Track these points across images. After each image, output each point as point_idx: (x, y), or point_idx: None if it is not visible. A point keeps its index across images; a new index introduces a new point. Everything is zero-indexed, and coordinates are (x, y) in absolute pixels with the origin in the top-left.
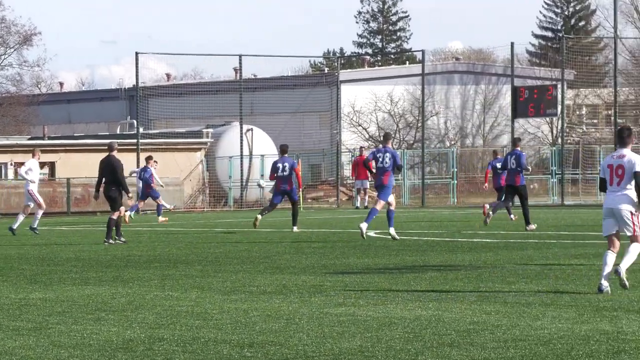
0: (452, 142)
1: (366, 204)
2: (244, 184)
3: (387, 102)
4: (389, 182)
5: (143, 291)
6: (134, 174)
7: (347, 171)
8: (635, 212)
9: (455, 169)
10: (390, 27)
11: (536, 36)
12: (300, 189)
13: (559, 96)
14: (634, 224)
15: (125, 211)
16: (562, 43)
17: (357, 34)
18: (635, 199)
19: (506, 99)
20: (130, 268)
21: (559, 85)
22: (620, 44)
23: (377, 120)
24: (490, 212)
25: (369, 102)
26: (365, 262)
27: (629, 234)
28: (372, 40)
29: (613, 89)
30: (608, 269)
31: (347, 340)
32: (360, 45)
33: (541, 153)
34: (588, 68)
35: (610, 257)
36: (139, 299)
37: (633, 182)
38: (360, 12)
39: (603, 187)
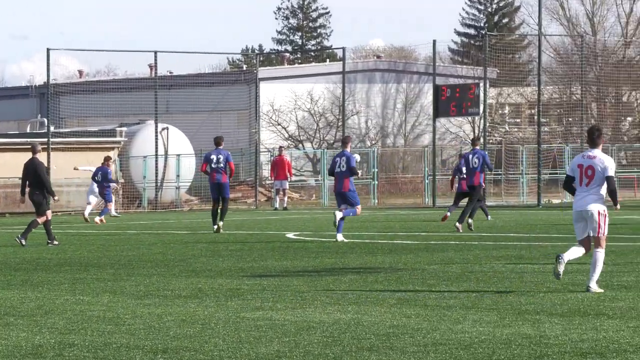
0: (373, 142)
1: (285, 205)
2: (158, 184)
3: (307, 100)
4: (349, 188)
5: (53, 295)
6: (85, 170)
7: (266, 171)
8: (604, 212)
9: (376, 169)
10: (311, 24)
11: (459, 34)
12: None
13: (482, 95)
14: (599, 224)
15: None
16: (485, 41)
17: (277, 31)
18: (603, 199)
19: (428, 98)
20: (40, 271)
21: (482, 84)
22: (544, 42)
23: (296, 119)
24: (470, 220)
25: (288, 100)
26: (283, 264)
27: (593, 233)
28: (291, 37)
29: (537, 88)
30: (572, 254)
31: (264, 345)
32: (279, 42)
33: (463, 153)
34: (511, 66)
35: (578, 249)
36: (49, 303)
37: (603, 183)
38: (279, 8)
39: (568, 185)
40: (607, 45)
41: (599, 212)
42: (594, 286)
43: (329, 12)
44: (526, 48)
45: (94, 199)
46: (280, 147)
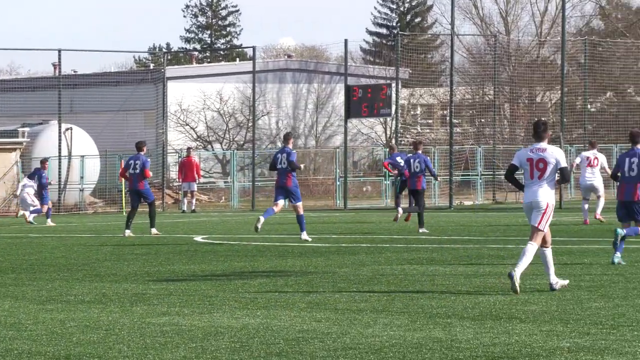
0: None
1: (193, 207)
2: (62, 186)
3: (217, 100)
4: (293, 183)
5: None
6: (29, 182)
7: (174, 173)
8: (552, 205)
9: None
10: (220, 22)
11: (370, 33)
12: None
13: (394, 95)
14: (543, 215)
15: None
16: (397, 40)
17: (185, 29)
18: (553, 192)
19: (339, 99)
20: None
21: (394, 84)
22: (457, 41)
23: (205, 119)
24: (399, 215)
25: (197, 100)
26: (191, 268)
27: (534, 223)
28: (200, 35)
29: (449, 88)
30: (551, 267)
31: (170, 351)
32: (188, 40)
33: (375, 155)
34: (424, 66)
35: (545, 252)
36: None
37: (554, 176)
38: (188, 6)
39: (510, 175)
40: (520, 45)
41: (547, 205)
42: (554, 281)
43: (238, 10)
44: (439, 48)
45: (28, 201)
46: (189, 148)
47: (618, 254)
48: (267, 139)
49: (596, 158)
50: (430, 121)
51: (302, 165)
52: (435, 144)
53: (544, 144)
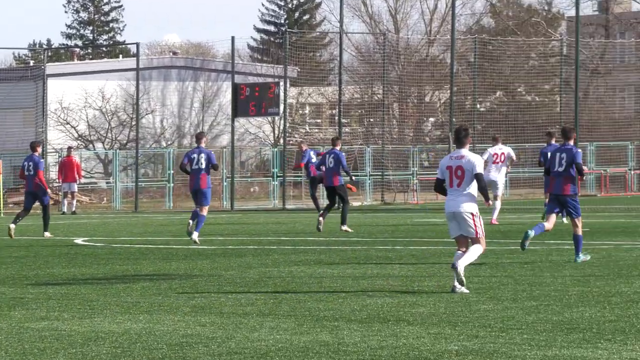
0: (169, 143)
1: (74, 209)
2: None
3: (99, 98)
4: (207, 184)
5: None
6: None
7: (54, 173)
8: (476, 213)
9: (172, 171)
10: (102, 18)
11: (258, 30)
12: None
13: (282, 94)
14: (475, 225)
15: None
16: (285, 38)
17: (66, 25)
18: (476, 199)
19: (226, 97)
20: None
21: (282, 83)
22: (346, 40)
23: (87, 117)
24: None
25: (78, 98)
26: (71, 272)
27: (472, 236)
28: (82, 31)
29: (338, 87)
30: (469, 260)
31: (49, 357)
32: (69, 36)
33: (262, 154)
34: (312, 65)
35: (461, 256)
36: None
37: (474, 183)
38: (69, 1)
39: (439, 188)
40: (410, 44)
41: (472, 215)
42: (461, 267)
43: (122, 5)
44: (327, 46)
45: None
46: (69, 147)
47: (581, 255)
48: (151, 138)
49: (502, 153)
50: (318, 120)
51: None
52: (324, 144)
53: (463, 151)
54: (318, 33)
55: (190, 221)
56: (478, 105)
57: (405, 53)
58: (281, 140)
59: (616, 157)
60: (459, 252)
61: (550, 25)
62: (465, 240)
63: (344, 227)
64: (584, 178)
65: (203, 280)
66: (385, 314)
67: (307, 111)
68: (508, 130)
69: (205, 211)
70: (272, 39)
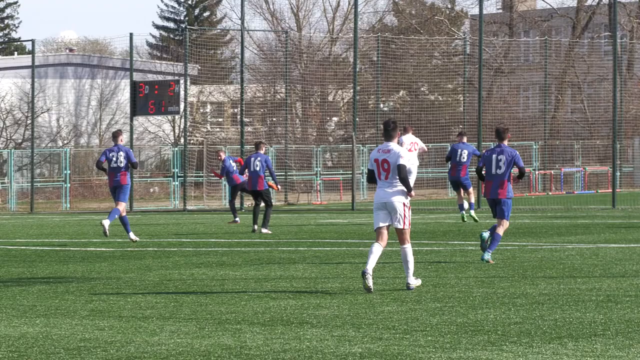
0: (65, 142)
1: None
2: None
3: None
4: (127, 182)
5: None
6: None
7: None
8: (407, 204)
9: (69, 171)
10: None
11: (157, 27)
12: None
13: (182, 93)
14: (404, 216)
15: None
16: (185, 35)
17: None
18: (405, 192)
19: (125, 95)
20: None
21: (182, 81)
22: (247, 37)
23: None
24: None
25: None
26: None
27: (399, 226)
28: None
29: (239, 86)
30: (374, 259)
31: None
32: None
33: (162, 154)
34: (213, 62)
35: (377, 247)
36: None
37: (397, 174)
38: None
39: (371, 179)
40: (312, 42)
41: (403, 204)
42: (412, 281)
43: (17, 2)
44: (228, 44)
45: None
46: None
47: (489, 253)
48: (47, 137)
49: (415, 143)
50: (220, 120)
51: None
52: (226, 143)
53: (391, 144)
54: (219, 30)
55: (106, 220)
56: (381, 105)
57: (307, 51)
58: (182, 140)
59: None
60: (377, 243)
61: (454, 24)
62: (385, 232)
63: (265, 230)
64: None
65: (101, 283)
66: (288, 317)
67: (208, 110)
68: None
69: (121, 206)
70: (171, 36)
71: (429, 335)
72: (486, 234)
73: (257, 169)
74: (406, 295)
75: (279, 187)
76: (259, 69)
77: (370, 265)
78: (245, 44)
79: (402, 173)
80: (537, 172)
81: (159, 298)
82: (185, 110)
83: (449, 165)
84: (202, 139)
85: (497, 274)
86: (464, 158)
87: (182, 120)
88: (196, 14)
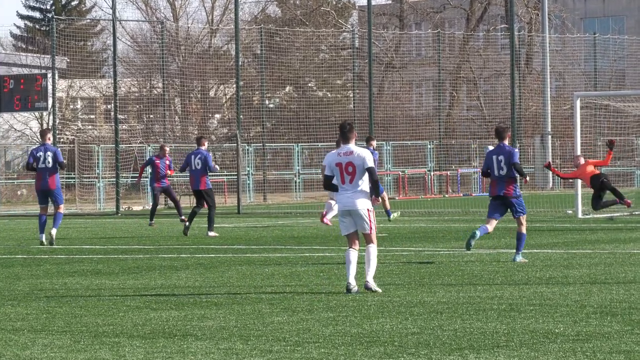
0: None
1: None
2: None
3: None
4: (56, 184)
5: None
6: None
7: None
8: (371, 208)
9: None
10: None
11: (22, 17)
12: None
13: (50, 87)
14: (370, 221)
15: None
16: (52, 25)
17: None
18: (369, 195)
19: None
20: None
21: (50, 75)
22: (120, 28)
23: None
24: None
25: None
26: None
27: (365, 232)
28: None
29: (112, 80)
30: (353, 268)
31: None
32: None
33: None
34: (83, 55)
35: (353, 254)
36: None
37: (365, 178)
38: None
39: (328, 186)
40: (191, 33)
41: (368, 210)
42: (371, 281)
43: None
44: (99, 35)
45: None
46: None
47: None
48: None
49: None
50: (92, 116)
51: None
52: (99, 142)
53: (351, 146)
54: (89, 20)
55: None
56: (267, 101)
57: (185, 43)
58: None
59: (414, 158)
60: (351, 249)
61: (341, 15)
62: (356, 236)
63: (211, 233)
64: (527, 180)
65: None
66: (170, 329)
67: (79, 106)
68: (299, 128)
69: (62, 209)
70: (37, 26)
71: (321, 347)
72: (478, 232)
73: (199, 167)
74: (297, 305)
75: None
76: (133, 62)
77: (352, 276)
78: (118, 35)
79: (374, 176)
80: (432, 174)
81: (29, 309)
82: (53, 106)
83: None
84: (72, 137)
85: (393, 281)
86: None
87: (51, 117)
88: (64, 2)
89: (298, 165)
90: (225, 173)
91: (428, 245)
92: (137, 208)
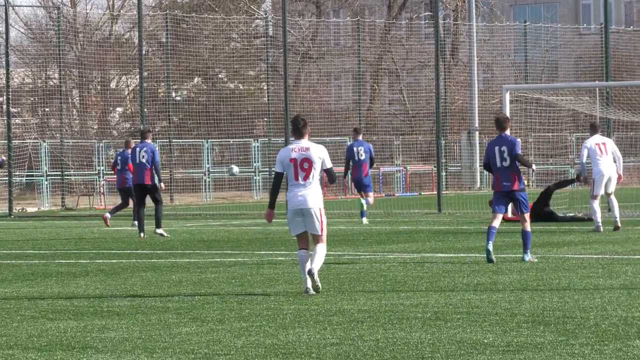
0: None
1: None
2: None
3: None
4: None
5: None
6: None
7: None
8: (322, 207)
9: None
10: None
11: None
12: None
13: None
14: (321, 221)
15: None
16: None
17: None
18: (321, 193)
19: None
20: None
21: None
22: (12, 14)
23: None
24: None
25: None
26: None
27: (317, 233)
28: None
29: (4, 70)
30: (309, 267)
31: None
32: None
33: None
34: None
35: (307, 255)
36: None
37: (321, 176)
38: None
39: (278, 184)
40: (89, 20)
41: (320, 210)
42: (317, 272)
43: None
44: None
45: None
46: None
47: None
48: None
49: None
50: None
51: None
52: None
53: (305, 142)
54: None
55: None
56: (173, 94)
57: (84, 31)
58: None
59: (333, 155)
60: (303, 250)
61: (253, 1)
62: (306, 237)
63: (159, 231)
64: (534, 168)
65: None
66: (69, 340)
67: None
68: (209, 123)
69: None
70: None
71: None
72: (490, 246)
73: (144, 160)
74: (207, 314)
75: (163, 185)
76: (27, 51)
77: (309, 269)
78: (10, 22)
79: (333, 176)
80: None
81: None
82: None
83: (351, 166)
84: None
85: None
86: (362, 156)
87: None
88: None
89: (208, 163)
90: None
91: (348, 249)
92: (31, 209)
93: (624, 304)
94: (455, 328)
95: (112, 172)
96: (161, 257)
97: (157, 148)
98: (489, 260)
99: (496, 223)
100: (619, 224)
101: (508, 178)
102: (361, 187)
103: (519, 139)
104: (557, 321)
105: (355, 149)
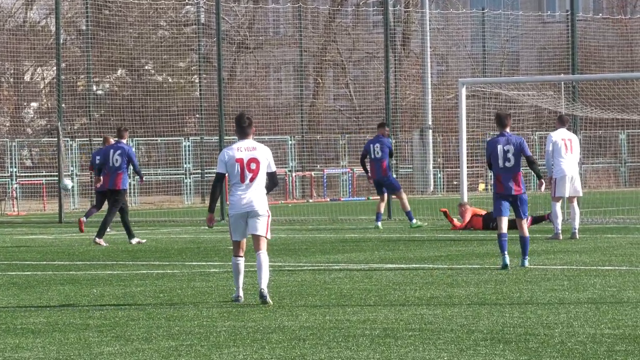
0: None
1: None
2: None
3: None
4: None
5: None
6: None
7: None
8: (269, 210)
9: None
10: None
11: None
12: None
13: None
14: (267, 224)
15: None
16: None
17: None
18: (266, 195)
19: None
20: None
21: None
22: None
23: None
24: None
25: None
26: None
27: (261, 234)
28: None
29: None
30: (242, 278)
31: None
32: None
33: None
34: None
35: (243, 263)
36: None
37: (264, 177)
38: None
39: (219, 187)
40: (2, 6)
41: (268, 212)
42: (266, 291)
43: None
44: None
45: None
46: None
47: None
48: None
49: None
50: None
51: None
52: None
53: (251, 142)
54: None
55: None
56: (94, 87)
57: None
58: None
59: (274, 155)
60: (240, 258)
61: None
62: (244, 244)
63: (135, 240)
64: (544, 189)
65: None
66: None
67: None
68: (134, 119)
69: None
70: None
71: None
72: (507, 259)
73: (118, 163)
74: (132, 332)
75: (144, 179)
76: None
77: (241, 287)
78: None
79: (275, 180)
80: (294, 175)
81: None
82: None
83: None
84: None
85: (247, 302)
86: (378, 153)
87: None
88: None
89: None
90: (43, 173)
91: (289, 260)
92: None
93: (591, 319)
94: (407, 346)
95: (90, 173)
96: (80, 269)
97: (132, 149)
98: (504, 267)
99: (505, 228)
100: (577, 236)
101: (511, 179)
102: (386, 189)
103: (523, 138)
104: (518, 339)
105: (372, 146)
